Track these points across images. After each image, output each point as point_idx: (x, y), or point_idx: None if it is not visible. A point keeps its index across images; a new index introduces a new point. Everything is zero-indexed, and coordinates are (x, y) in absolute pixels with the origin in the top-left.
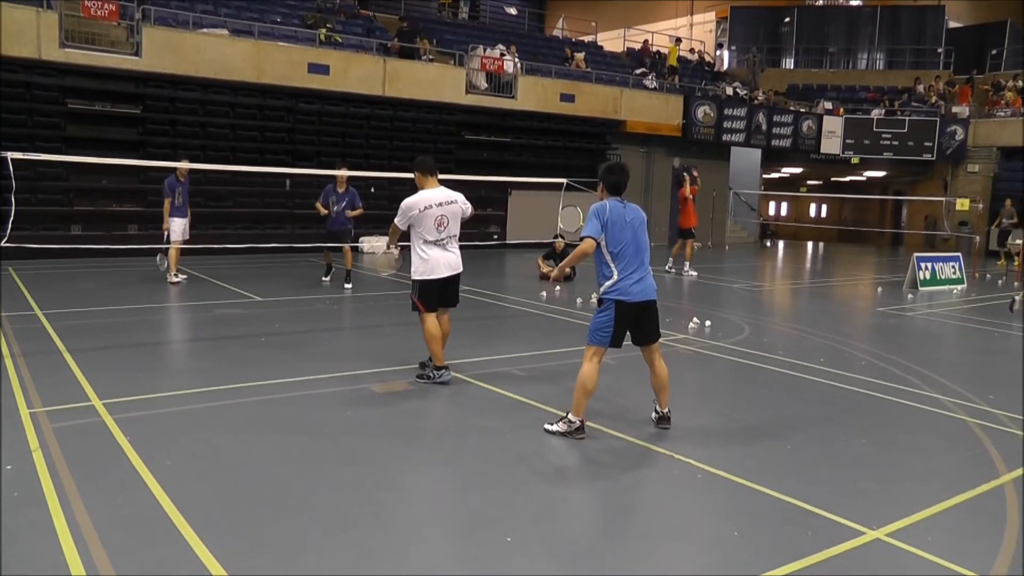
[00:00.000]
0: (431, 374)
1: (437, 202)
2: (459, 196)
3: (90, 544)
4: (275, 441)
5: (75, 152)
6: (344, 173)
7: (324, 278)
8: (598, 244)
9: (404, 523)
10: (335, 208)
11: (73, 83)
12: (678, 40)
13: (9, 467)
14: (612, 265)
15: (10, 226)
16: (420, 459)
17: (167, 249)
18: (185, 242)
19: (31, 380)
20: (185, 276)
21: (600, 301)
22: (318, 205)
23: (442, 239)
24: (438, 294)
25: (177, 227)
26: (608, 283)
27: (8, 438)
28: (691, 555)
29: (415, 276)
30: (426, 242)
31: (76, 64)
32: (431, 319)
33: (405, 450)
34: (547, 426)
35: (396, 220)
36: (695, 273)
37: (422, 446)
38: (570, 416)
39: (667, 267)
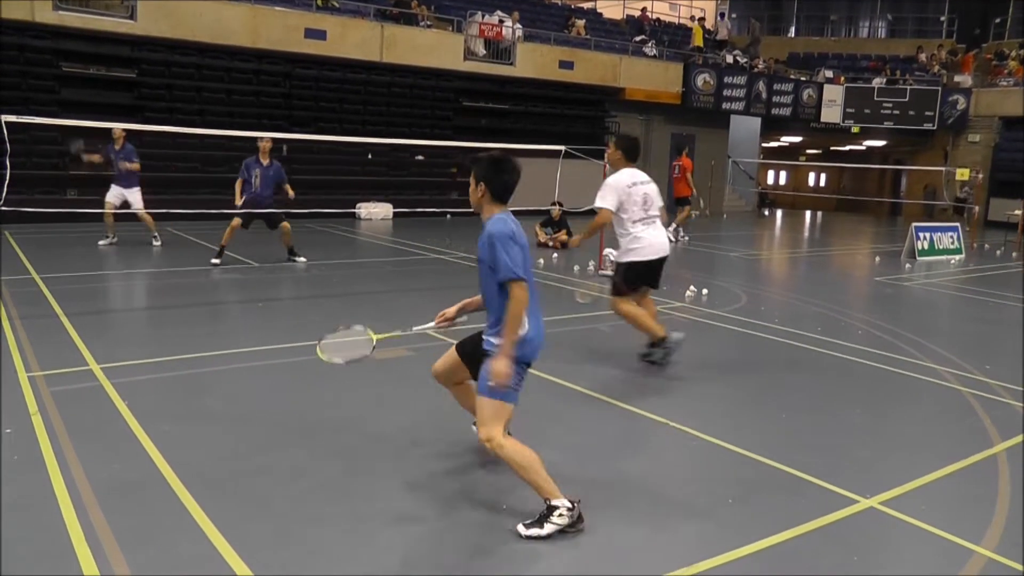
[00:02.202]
0: (662, 349)
1: (641, 180)
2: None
3: (88, 507)
4: (272, 407)
5: (70, 116)
6: (268, 142)
7: (214, 260)
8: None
9: (401, 492)
10: (257, 183)
11: (67, 46)
12: (700, 19)
13: (9, 430)
14: None
15: (5, 190)
16: (418, 428)
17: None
18: (117, 209)
19: (29, 344)
20: (111, 241)
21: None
22: (237, 186)
23: (650, 216)
24: (644, 276)
25: (110, 194)
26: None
27: (7, 402)
28: (685, 522)
29: (622, 259)
30: (634, 222)
31: (70, 27)
32: (627, 302)
33: (403, 418)
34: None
35: (602, 202)
36: (687, 238)
37: (419, 415)
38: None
39: (678, 235)
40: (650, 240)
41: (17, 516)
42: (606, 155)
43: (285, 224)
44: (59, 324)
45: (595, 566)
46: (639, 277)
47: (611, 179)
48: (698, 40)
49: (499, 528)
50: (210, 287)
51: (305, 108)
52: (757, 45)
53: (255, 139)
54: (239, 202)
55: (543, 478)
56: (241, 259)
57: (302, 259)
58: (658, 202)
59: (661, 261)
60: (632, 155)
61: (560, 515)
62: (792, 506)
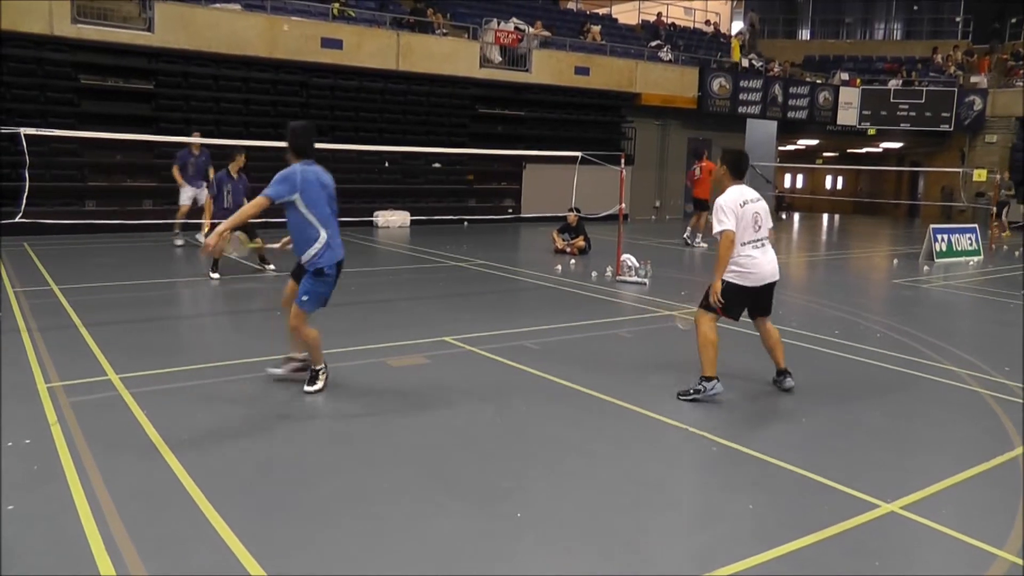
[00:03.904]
0: (700, 387)
1: (752, 198)
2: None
3: (108, 517)
4: (291, 415)
5: (88, 128)
6: (242, 159)
7: (213, 274)
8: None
9: (419, 497)
10: (228, 199)
11: (85, 59)
12: (739, 33)
13: (28, 441)
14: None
15: (24, 202)
16: (435, 433)
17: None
18: (190, 209)
19: (48, 355)
20: (181, 243)
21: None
22: (208, 200)
23: (759, 239)
24: (747, 303)
25: (184, 193)
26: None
27: (26, 412)
28: (705, 528)
29: (727, 278)
30: (744, 243)
31: (88, 40)
32: (711, 323)
33: (420, 424)
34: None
35: (723, 225)
36: (705, 244)
37: (437, 420)
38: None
39: (685, 236)
40: (760, 265)
41: (37, 526)
42: (711, 172)
43: (258, 240)
44: (78, 335)
45: (619, 567)
46: (733, 300)
47: (722, 199)
48: (736, 56)
49: None
50: (227, 296)
51: (322, 117)
52: (755, 38)
53: (271, 149)
54: (207, 225)
55: (319, 352)
56: (259, 267)
57: (271, 267)
58: (768, 223)
59: (770, 287)
60: (738, 171)
61: (324, 373)
62: (812, 511)
